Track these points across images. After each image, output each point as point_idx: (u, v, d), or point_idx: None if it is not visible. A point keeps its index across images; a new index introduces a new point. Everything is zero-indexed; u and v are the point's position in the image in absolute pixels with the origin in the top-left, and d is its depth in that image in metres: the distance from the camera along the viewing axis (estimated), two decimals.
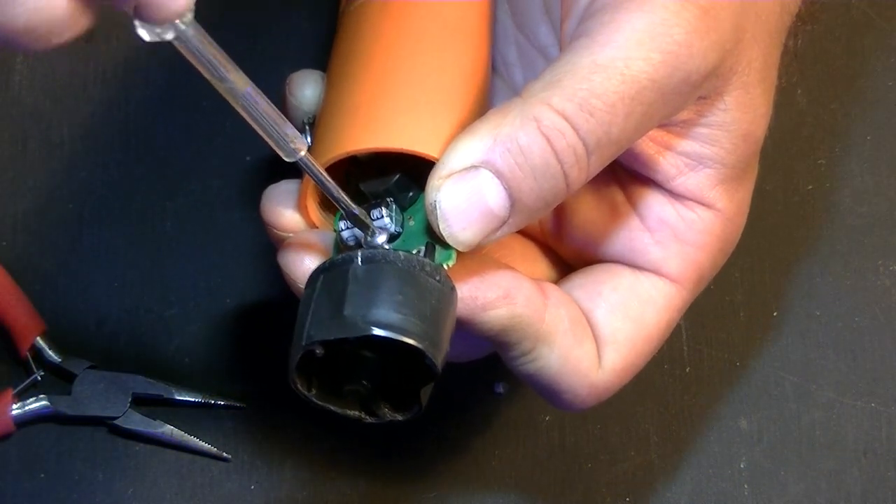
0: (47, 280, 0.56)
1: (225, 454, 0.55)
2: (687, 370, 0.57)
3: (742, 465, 0.56)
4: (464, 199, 0.36)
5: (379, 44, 0.42)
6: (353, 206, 0.37)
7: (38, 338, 0.54)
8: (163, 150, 0.57)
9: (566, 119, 0.35)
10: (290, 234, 0.42)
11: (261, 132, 0.35)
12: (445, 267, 0.37)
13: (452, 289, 0.36)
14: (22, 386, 0.54)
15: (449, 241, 0.36)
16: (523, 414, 0.56)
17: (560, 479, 0.56)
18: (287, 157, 0.35)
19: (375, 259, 0.35)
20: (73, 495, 0.54)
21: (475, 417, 0.56)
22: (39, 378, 0.54)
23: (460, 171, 0.36)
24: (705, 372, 0.57)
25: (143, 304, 0.56)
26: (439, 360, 0.34)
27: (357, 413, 0.37)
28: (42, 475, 0.54)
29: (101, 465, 0.54)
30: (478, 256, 0.39)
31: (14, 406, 0.54)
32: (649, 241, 0.42)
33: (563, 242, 0.45)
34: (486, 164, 0.35)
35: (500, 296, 0.38)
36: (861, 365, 0.58)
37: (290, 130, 0.35)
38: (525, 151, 0.35)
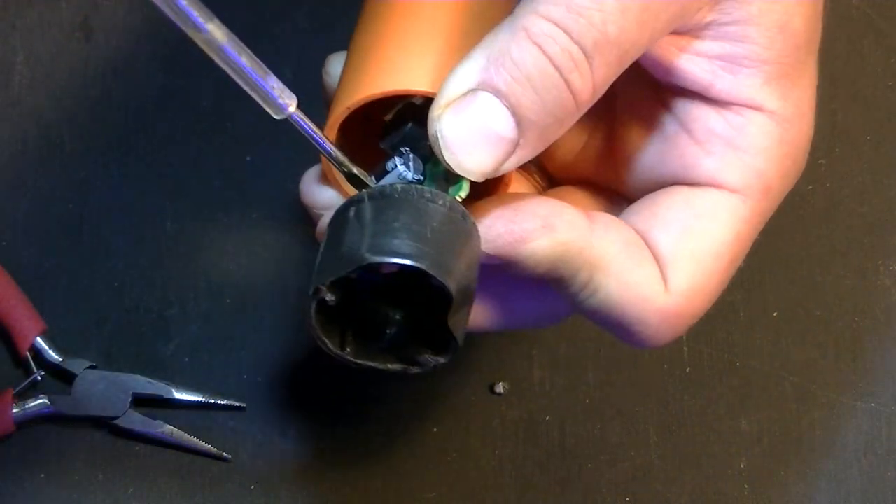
0: (47, 280, 0.56)
1: (225, 454, 0.55)
2: (687, 370, 0.57)
3: (742, 465, 0.56)
4: (465, 125, 0.34)
5: (383, 5, 0.41)
6: (350, 163, 0.36)
7: (38, 338, 0.54)
8: (163, 150, 0.57)
9: (554, 23, 0.34)
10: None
11: (246, 87, 0.34)
12: (458, 198, 0.36)
13: (464, 215, 0.35)
14: (22, 386, 0.54)
15: (457, 170, 0.35)
16: (523, 414, 0.56)
17: (560, 479, 0.56)
18: (276, 113, 0.35)
19: (373, 196, 0.34)
20: (73, 495, 0.54)
21: (475, 417, 0.56)
22: (39, 378, 0.54)
23: (458, 97, 0.34)
24: (705, 372, 0.57)
25: (143, 304, 0.56)
26: (448, 280, 0.33)
27: (399, 366, 0.36)
28: (42, 475, 0.54)
29: (101, 465, 0.55)
30: (516, 194, 0.38)
31: (14, 406, 0.54)
32: (701, 153, 0.39)
33: (623, 182, 0.42)
34: (483, 85, 0.34)
35: (538, 226, 0.36)
36: (861, 365, 0.58)
37: (276, 83, 0.34)
38: (519, 63, 0.34)
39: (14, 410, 0.54)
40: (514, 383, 0.56)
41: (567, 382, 0.57)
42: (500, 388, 0.56)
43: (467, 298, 0.34)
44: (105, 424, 0.54)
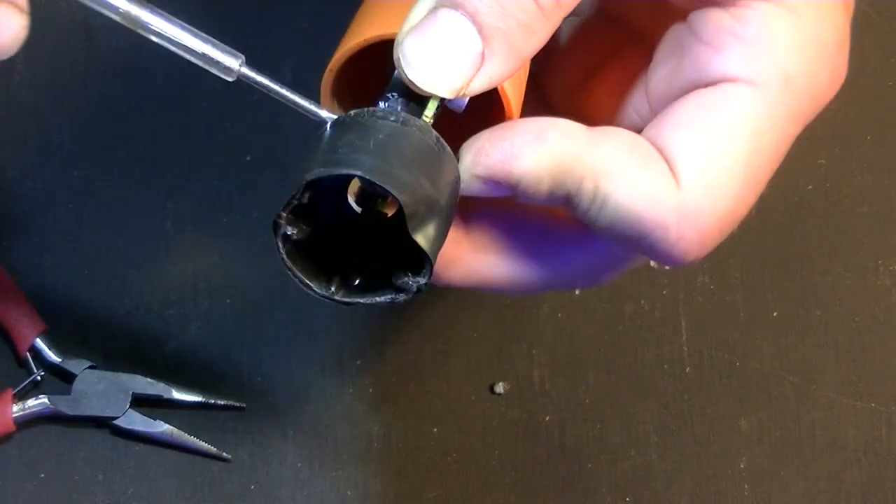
0: (47, 280, 0.56)
1: (225, 454, 0.55)
2: (687, 370, 0.57)
3: (742, 465, 0.56)
4: (426, 43, 0.34)
5: None
6: (310, 105, 0.36)
7: (38, 338, 0.54)
8: (163, 150, 0.57)
9: None
10: None
11: (190, 57, 0.34)
12: (425, 119, 0.35)
13: (423, 130, 0.34)
14: (22, 386, 0.54)
15: (423, 88, 0.34)
16: (523, 414, 0.56)
17: (560, 479, 0.56)
18: (226, 75, 0.35)
19: (331, 126, 0.35)
20: (73, 495, 0.54)
21: (475, 417, 0.56)
22: (39, 378, 0.54)
23: (419, 21, 0.34)
24: (705, 372, 0.57)
25: (143, 304, 0.56)
26: (393, 184, 0.32)
27: (386, 297, 0.35)
28: (42, 475, 0.54)
29: (101, 465, 0.55)
30: (512, 121, 0.36)
31: (14, 406, 0.54)
32: (712, 52, 0.36)
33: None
34: (441, 2, 0.34)
35: (529, 140, 0.35)
36: (861, 365, 0.58)
37: (219, 45, 0.34)
38: None
39: (14, 410, 0.54)
40: (514, 383, 0.56)
41: (567, 382, 0.57)
42: (500, 388, 0.56)
43: (432, 210, 0.33)
44: (105, 424, 0.54)
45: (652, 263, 0.39)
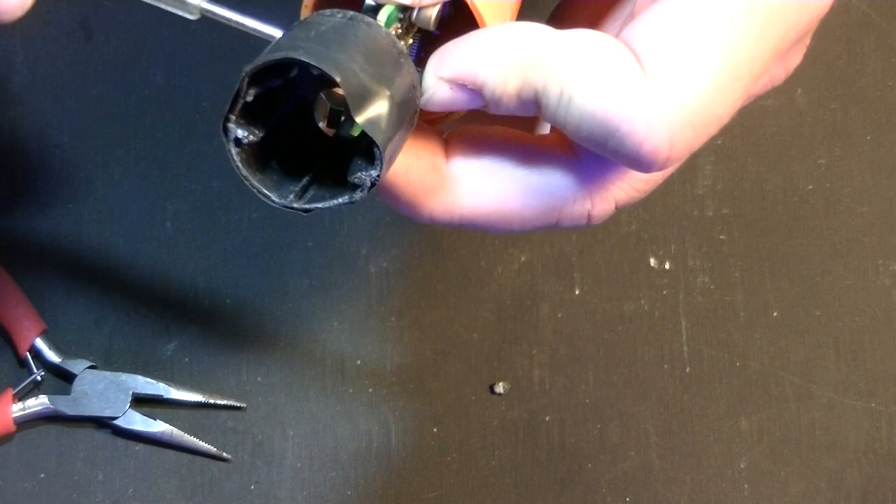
0: (47, 280, 0.56)
1: (225, 454, 0.55)
2: (687, 370, 0.57)
3: (742, 465, 0.57)
4: None
5: None
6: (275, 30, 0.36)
7: (38, 338, 0.54)
8: (163, 150, 0.57)
9: None
10: None
11: (151, 1, 0.33)
12: (382, 20, 0.35)
13: (370, 24, 0.33)
14: (22, 386, 0.54)
15: None
16: (523, 414, 0.56)
17: (560, 479, 0.56)
18: (190, 14, 0.34)
19: (286, 28, 0.34)
20: (73, 495, 0.54)
21: (475, 417, 0.56)
22: (39, 378, 0.54)
23: None
24: (705, 372, 0.57)
25: (143, 304, 0.56)
26: (330, 66, 0.31)
27: (343, 198, 0.34)
28: (42, 475, 0.54)
29: (101, 465, 0.55)
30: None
31: (14, 406, 0.54)
32: None
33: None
34: None
35: (494, 39, 0.34)
36: (861, 365, 0.58)
37: None
38: None
39: (14, 410, 0.54)
40: (514, 383, 0.56)
41: (567, 382, 0.57)
42: (500, 388, 0.56)
43: (379, 95, 0.32)
44: (105, 424, 0.54)
45: (634, 181, 0.37)
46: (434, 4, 0.35)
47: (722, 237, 0.58)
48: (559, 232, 0.58)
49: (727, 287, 0.58)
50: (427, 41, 0.36)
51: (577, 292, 0.58)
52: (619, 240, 0.58)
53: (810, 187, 0.59)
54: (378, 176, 0.32)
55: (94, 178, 0.57)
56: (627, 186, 0.38)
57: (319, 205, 0.33)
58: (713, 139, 0.60)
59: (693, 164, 0.59)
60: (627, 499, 0.56)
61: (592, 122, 0.34)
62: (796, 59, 0.39)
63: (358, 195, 0.33)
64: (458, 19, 0.37)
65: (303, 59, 0.31)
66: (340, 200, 0.33)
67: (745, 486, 0.56)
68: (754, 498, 0.56)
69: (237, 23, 0.35)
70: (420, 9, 0.36)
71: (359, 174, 0.33)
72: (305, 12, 0.37)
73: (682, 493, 0.56)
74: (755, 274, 0.58)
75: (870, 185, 0.60)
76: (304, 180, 0.34)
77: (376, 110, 0.32)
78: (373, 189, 0.33)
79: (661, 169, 0.34)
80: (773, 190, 0.59)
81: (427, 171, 0.36)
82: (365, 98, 0.32)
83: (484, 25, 0.36)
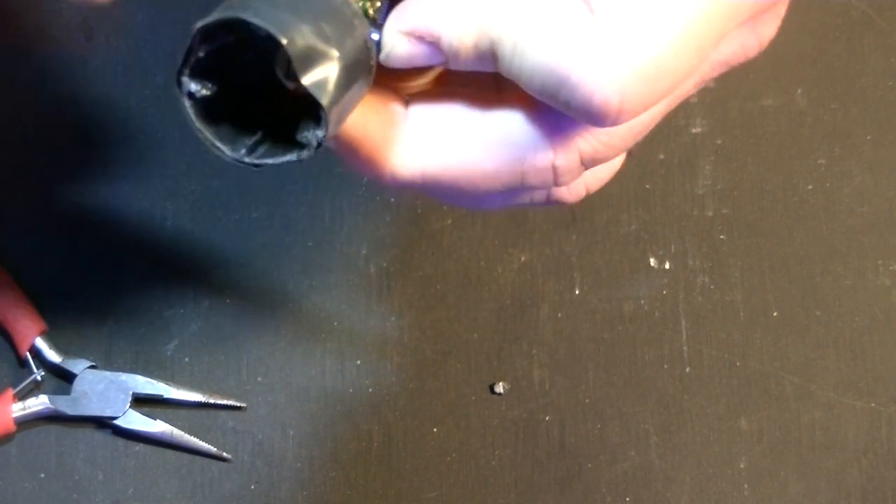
0: (47, 280, 0.56)
1: (225, 454, 0.55)
2: (687, 370, 0.57)
3: (742, 465, 0.57)
4: None
5: None
6: None
7: (38, 338, 0.54)
8: (163, 149, 0.58)
9: None
10: None
11: None
12: None
13: None
14: (22, 386, 0.54)
15: None
16: (523, 414, 0.56)
17: (560, 479, 0.56)
18: None
19: None
20: (73, 495, 0.54)
21: (475, 417, 0.56)
22: (39, 378, 0.54)
23: None
24: (705, 372, 0.57)
25: (143, 304, 0.56)
26: (274, 26, 0.31)
27: (290, 156, 0.34)
28: (42, 475, 0.54)
29: (101, 465, 0.55)
30: None
31: (14, 406, 0.54)
32: None
33: None
34: None
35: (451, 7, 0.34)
36: (861, 365, 0.58)
37: None
38: None
39: (14, 410, 0.54)
40: (514, 383, 0.56)
41: (567, 382, 0.57)
42: (500, 388, 0.56)
43: (327, 56, 0.33)
44: (105, 424, 0.54)
45: (598, 133, 0.37)
46: None
47: (722, 237, 0.58)
48: (559, 232, 0.58)
49: (727, 287, 0.58)
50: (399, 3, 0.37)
51: (577, 292, 0.58)
52: (619, 240, 0.58)
53: (810, 187, 0.59)
54: (324, 136, 0.33)
55: (94, 177, 0.57)
56: (591, 138, 0.37)
57: (269, 160, 0.34)
58: (713, 139, 0.60)
59: (693, 164, 0.59)
60: (627, 499, 0.56)
61: (543, 73, 0.33)
62: (769, 29, 0.39)
63: (305, 154, 0.33)
64: None
65: (249, 19, 0.31)
66: (287, 158, 0.34)
67: (745, 486, 0.56)
68: (754, 498, 0.56)
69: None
70: None
71: (305, 133, 0.33)
72: None
73: (682, 493, 0.56)
74: (755, 274, 0.58)
75: (870, 185, 0.60)
76: (257, 136, 0.35)
77: (323, 72, 0.33)
78: (320, 148, 0.33)
79: (615, 123, 0.34)
80: (773, 190, 0.59)
81: (386, 126, 0.36)
82: (312, 59, 0.32)
83: None
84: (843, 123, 0.60)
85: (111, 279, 0.56)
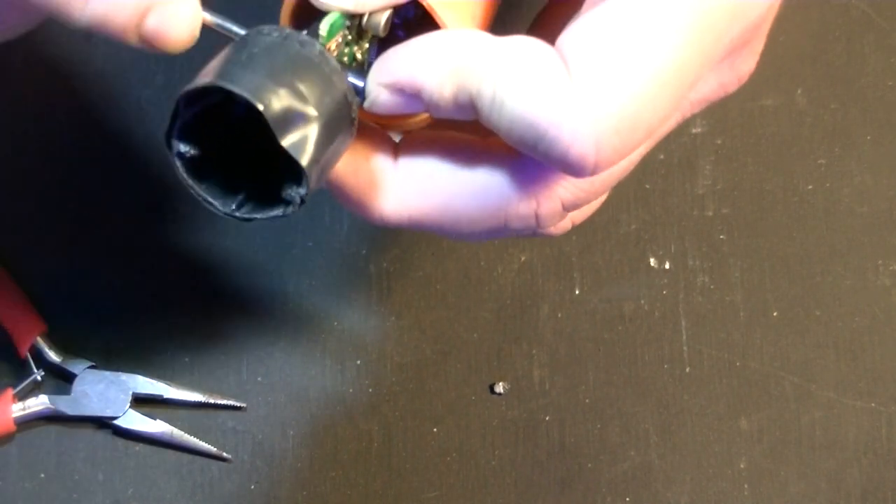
0: (47, 280, 0.56)
1: (225, 454, 0.55)
2: (687, 370, 0.57)
3: (742, 465, 0.57)
4: None
5: None
6: (229, 24, 0.37)
7: (38, 338, 0.54)
8: (163, 149, 0.57)
9: None
10: None
11: None
12: (321, 36, 0.36)
13: (303, 43, 0.35)
14: (22, 386, 0.54)
15: (321, 6, 0.35)
16: (523, 414, 0.56)
17: (560, 479, 0.56)
18: None
19: (231, 44, 0.35)
20: (73, 495, 0.54)
21: (475, 417, 0.56)
22: (39, 378, 0.54)
23: None
24: (705, 372, 0.57)
25: (143, 303, 0.56)
26: (252, 94, 0.32)
27: (276, 211, 0.35)
28: (42, 475, 0.54)
29: (101, 465, 0.55)
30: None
31: (14, 406, 0.54)
32: None
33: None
34: None
35: (431, 46, 0.35)
36: (861, 365, 0.58)
37: None
38: None
39: (14, 410, 0.54)
40: (514, 383, 0.56)
41: (567, 382, 0.57)
42: (500, 388, 0.56)
43: (305, 118, 0.34)
44: (105, 424, 0.54)
45: (578, 181, 0.38)
46: (382, 9, 0.36)
47: (722, 237, 0.58)
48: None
49: (727, 287, 0.58)
50: (391, 45, 0.37)
51: (577, 292, 0.58)
52: (619, 240, 0.58)
53: (810, 187, 0.59)
54: (306, 194, 0.34)
55: (93, 178, 0.57)
56: (572, 186, 0.38)
57: (258, 215, 0.35)
58: (713, 139, 0.61)
59: (693, 164, 0.59)
60: (627, 499, 0.56)
61: (522, 126, 0.34)
62: (747, 65, 0.40)
63: (290, 210, 0.35)
64: (425, 23, 0.38)
65: (226, 86, 0.32)
66: (275, 213, 0.35)
67: (745, 486, 0.56)
68: (754, 498, 0.56)
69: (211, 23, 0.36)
70: (370, 14, 0.37)
71: (289, 191, 0.34)
72: (284, 22, 0.39)
73: (682, 493, 0.56)
74: (755, 274, 0.58)
75: (870, 185, 0.60)
76: (245, 191, 0.36)
77: (301, 133, 0.33)
78: (303, 205, 0.34)
79: (592, 174, 0.35)
80: (772, 190, 0.59)
81: (376, 172, 0.38)
82: (289, 122, 0.33)
83: (445, 28, 0.37)
84: (843, 123, 0.60)
85: (111, 279, 0.56)
